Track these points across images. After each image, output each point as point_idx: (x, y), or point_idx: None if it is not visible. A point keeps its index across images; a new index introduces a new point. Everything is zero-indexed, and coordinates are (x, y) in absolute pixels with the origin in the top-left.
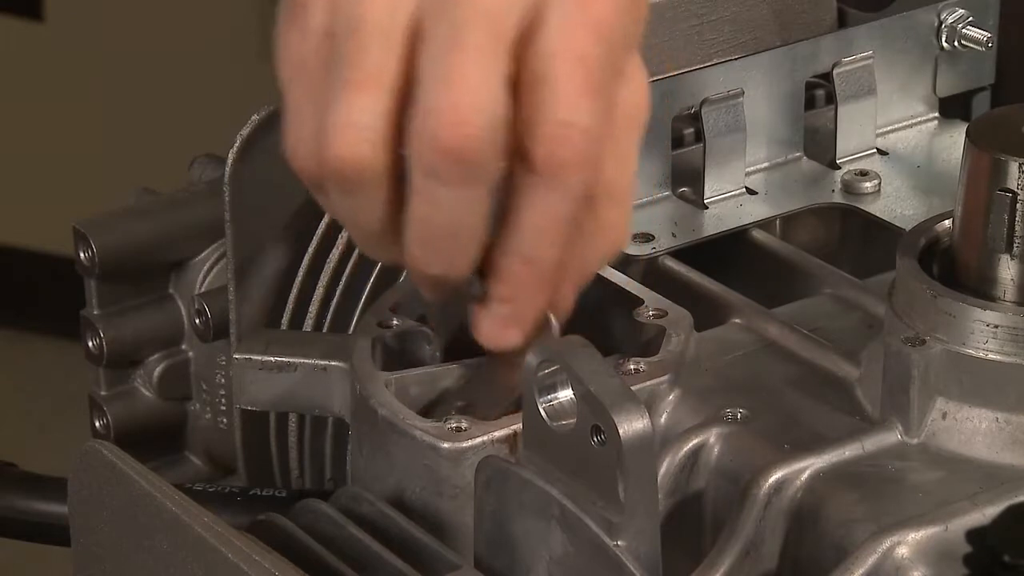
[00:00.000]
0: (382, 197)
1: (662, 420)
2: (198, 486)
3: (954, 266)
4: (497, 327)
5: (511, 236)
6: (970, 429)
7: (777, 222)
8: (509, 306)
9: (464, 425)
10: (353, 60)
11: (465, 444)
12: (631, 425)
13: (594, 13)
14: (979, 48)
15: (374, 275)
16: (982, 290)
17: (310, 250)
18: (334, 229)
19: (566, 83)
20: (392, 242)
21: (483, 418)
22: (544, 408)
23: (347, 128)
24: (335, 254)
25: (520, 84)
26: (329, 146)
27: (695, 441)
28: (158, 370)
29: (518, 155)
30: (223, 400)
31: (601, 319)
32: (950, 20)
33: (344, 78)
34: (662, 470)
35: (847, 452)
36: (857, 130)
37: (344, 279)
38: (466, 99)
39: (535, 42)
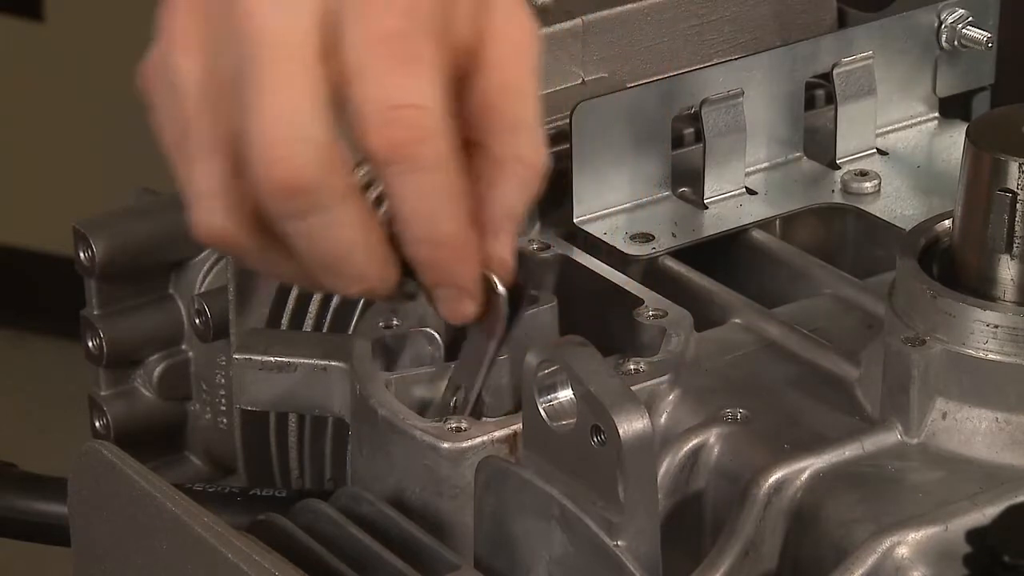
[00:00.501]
0: (263, 249)
1: (662, 420)
2: (198, 486)
3: (954, 266)
4: (448, 308)
5: (404, 229)
6: (970, 429)
7: (777, 222)
8: (445, 288)
9: (464, 425)
10: (187, 133)
11: (465, 444)
12: (631, 425)
13: None
14: (979, 48)
15: None
16: (982, 290)
17: None
18: None
19: (376, 67)
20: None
21: (467, 389)
22: (544, 408)
23: (201, 200)
24: None
25: (343, 86)
26: (195, 223)
27: (695, 441)
28: (158, 370)
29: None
30: (223, 400)
31: (601, 319)
32: (950, 20)
33: (186, 153)
34: (662, 470)
35: (847, 452)
36: (857, 130)
37: None
38: (279, 134)
39: (339, 42)
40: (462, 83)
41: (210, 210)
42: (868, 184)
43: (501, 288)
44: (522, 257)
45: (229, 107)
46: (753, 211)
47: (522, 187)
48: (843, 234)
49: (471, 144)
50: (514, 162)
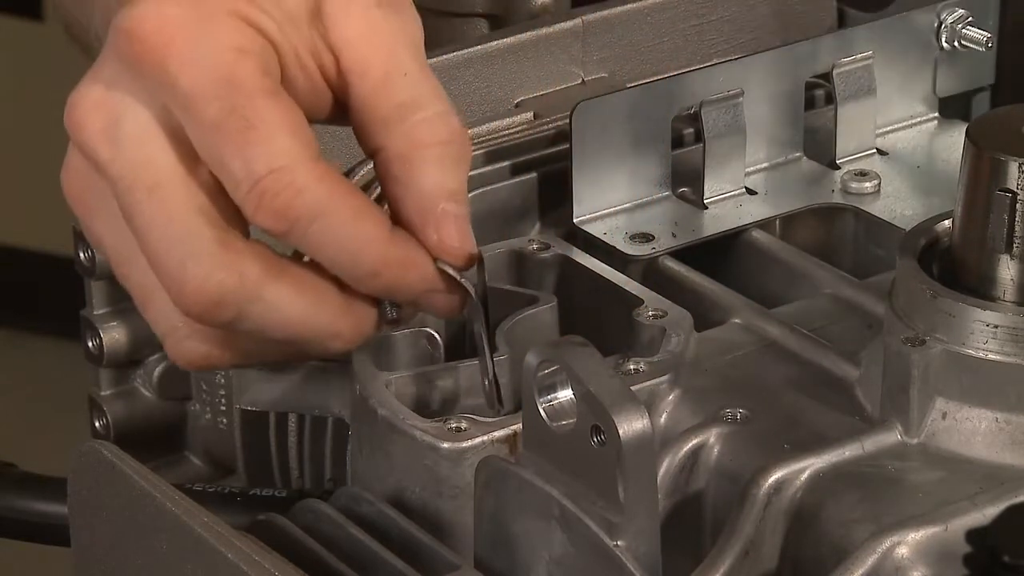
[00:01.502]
0: (247, 354)
1: (662, 420)
2: (198, 486)
3: (954, 266)
4: (433, 311)
5: (342, 276)
6: (970, 429)
7: (777, 222)
8: (422, 298)
9: (464, 425)
10: (126, 280)
11: (465, 444)
12: (631, 425)
13: (182, 89)
14: (979, 48)
15: None
16: (982, 290)
17: None
18: None
19: (222, 154)
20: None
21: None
22: (544, 408)
23: (167, 338)
24: None
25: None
26: (173, 358)
27: (695, 441)
28: (158, 370)
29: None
30: (223, 400)
31: (601, 319)
32: (950, 20)
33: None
34: (662, 470)
35: (847, 452)
36: (857, 130)
37: None
38: (173, 262)
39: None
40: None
41: (177, 343)
42: (868, 184)
43: (453, 272)
44: (521, 256)
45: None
46: (753, 211)
47: (436, 167)
48: (843, 234)
49: (379, 151)
50: (412, 150)
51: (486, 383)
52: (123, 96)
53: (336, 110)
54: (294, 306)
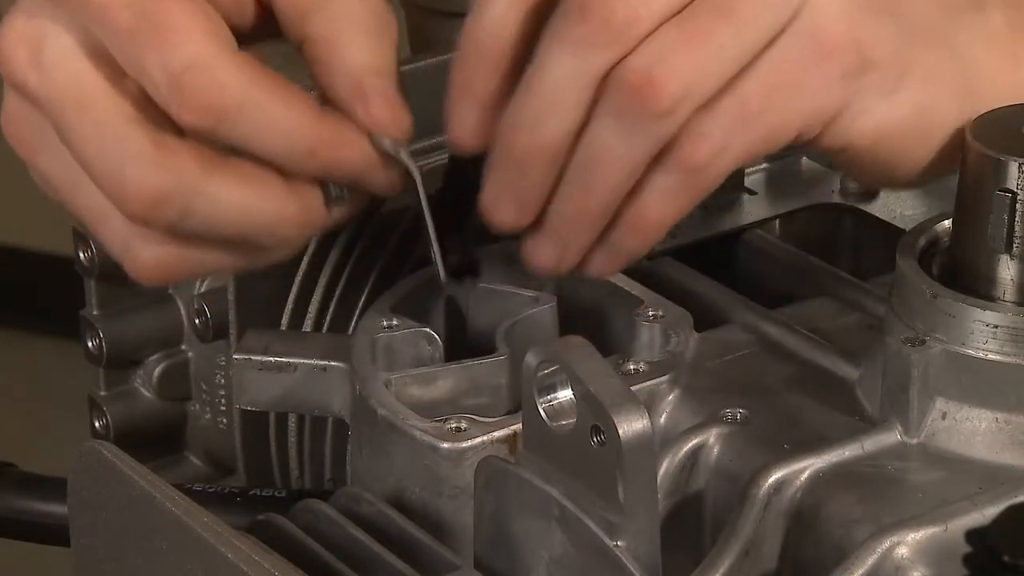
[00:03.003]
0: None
1: (662, 420)
2: (198, 486)
3: (954, 266)
4: (380, 186)
5: (278, 163)
6: (970, 429)
7: (777, 222)
8: (361, 176)
9: (464, 425)
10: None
11: (465, 444)
12: (631, 425)
13: (95, 2)
14: None
15: (374, 275)
16: (982, 290)
17: (310, 250)
18: (335, 230)
19: (139, 57)
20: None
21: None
22: (544, 408)
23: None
24: (335, 254)
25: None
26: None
27: (695, 441)
28: (158, 370)
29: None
30: (223, 400)
31: (601, 319)
32: None
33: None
34: (662, 470)
35: (847, 452)
36: None
37: (344, 279)
38: (118, 186)
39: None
40: None
41: (133, 257)
42: None
43: (386, 143)
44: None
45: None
46: (753, 211)
47: (358, 45)
48: (843, 234)
49: (304, 40)
50: (334, 32)
51: (432, 254)
52: (44, 23)
53: (261, 12)
54: (237, 196)
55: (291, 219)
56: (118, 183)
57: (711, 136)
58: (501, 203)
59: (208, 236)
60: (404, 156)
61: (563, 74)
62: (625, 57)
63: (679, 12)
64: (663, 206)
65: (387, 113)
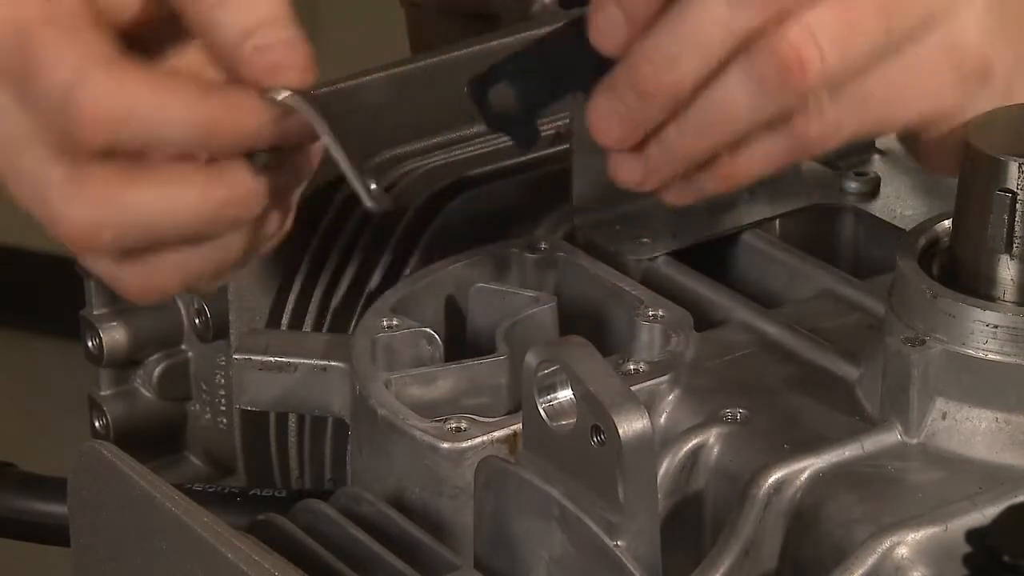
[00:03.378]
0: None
1: (662, 420)
2: (198, 486)
3: (954, 266)
4: (296, 136)
5: (189, 152)
6: (970, 429)
7: (777, 222)
8: (274, 137)
9: (464, 425)
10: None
11: (465, 444)
12: (631, 425)
13: None
14: None
15: (374, 275)
16: (982, 290)
17: (310, 250)
18: (335, 229)
19: (26, 100)
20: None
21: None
22: (544, 408)
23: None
24: (335, 254)
25: None
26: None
27: (695, 441)
28: (158, 370)
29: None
30: (223, 400)
31: (601, 319)
32: None
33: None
34: (662, 470)
35: (847, 452)
36: None
37: (344, 279)
38: (51, 225)
39: None
40: None
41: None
42: (868, 184)
43: (276, 96)
44: (520, 257)
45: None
46: (753, 211)
47: (222, 20)
48: (843, 234)
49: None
50: (205, 10)
51: (354, 186)
52: None
53: None
54: (160, 198)
55: (222, 201)
56: (51, 223)
57: (828, 115)
58: (611, 123)
59: (158, 244)
60: (297, 102)
61: (711, 21)
62: (779, 24)
63: None
64: (759, 164)
65: (265, 72)
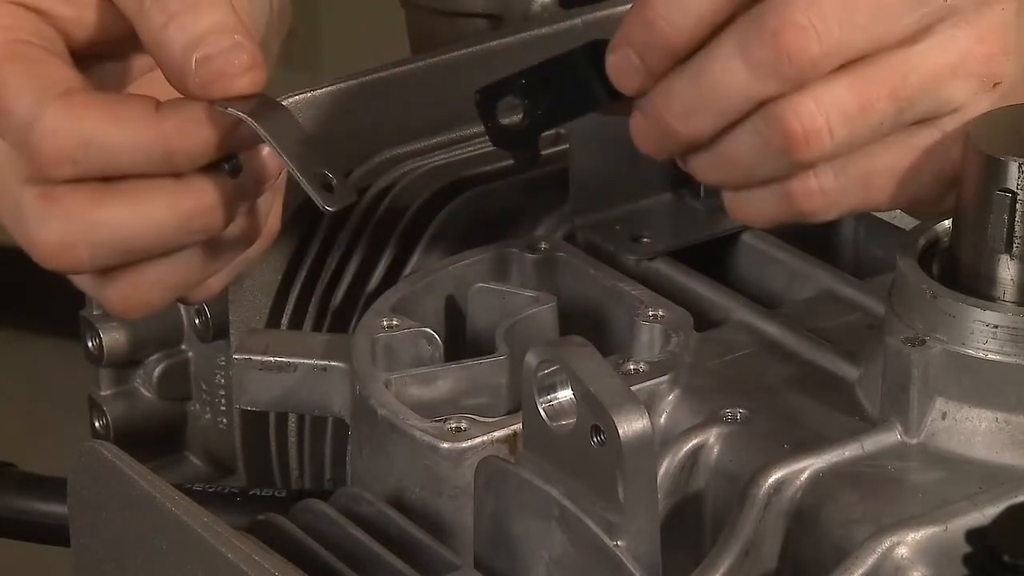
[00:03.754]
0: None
1: (662, 420)
2: (198, 486)
3: (954, 266)
4: (251, 140)
5: (152, 171)
6: (970, 429)
7: None
8: (229, 143)
9: (464, 425)
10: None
11: (465, 444)
12: (631, 425)
13: None
14: None
15: (374, 275)
16: (982, 290)
17: (310, 250)
18: (335, 229)
19: None
20: None
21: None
22: (544, 408)
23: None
24: (335, 254)
25: None
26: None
27: (695, 441)
28: (158, 370)
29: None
30: (223, 400)
31: (601, 319)
32: None
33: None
34: (662, 470)
35: (847, 452)
36: None
37: (344, 279)
38: (28, 245)
39: None
40: None
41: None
42: None
43: (221, 110)
44: (520, 257)
45: None
46: None
47: (166, 41)
48: (843, 234)
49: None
50: (150, 43)
51: (306, 188)
52: None
53: (104, 17)
54: (130, 214)
55: (189, 212)
56: (28, 244)
57: (828, 188)
58: (639, 139)
59: (133, 259)
60: (236, 113)
61: (731, 83)
62: (795, 92)
63: (856, 62)
64: (753, 213)
65: (208, 87)
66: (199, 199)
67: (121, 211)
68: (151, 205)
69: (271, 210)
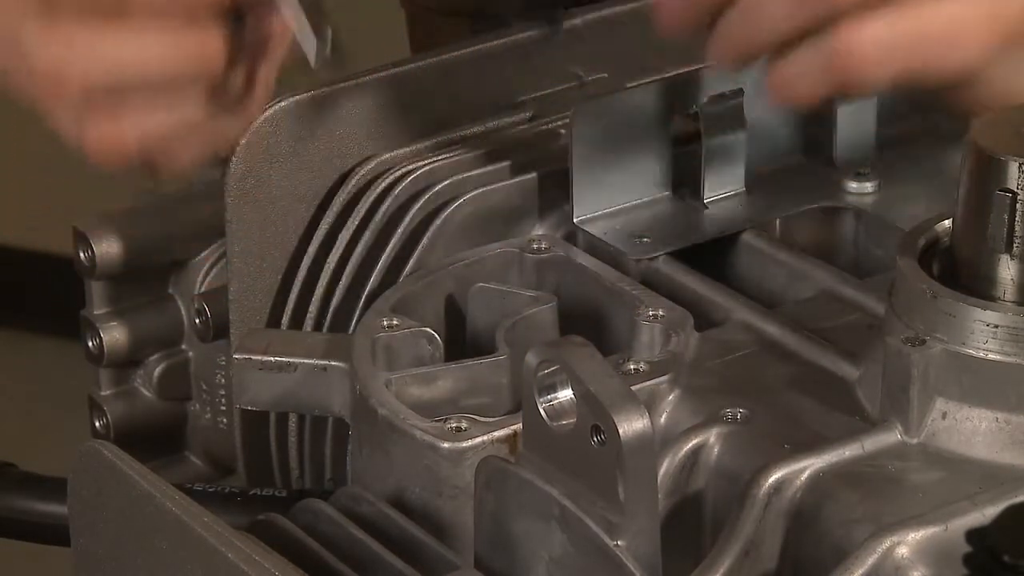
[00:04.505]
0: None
1: (662, 420)
2: (198, 486)
3: (954, 266)
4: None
5: (160, 17)
6: (970, 429)
7: (777, 222)
8: None
9: (464, 425)
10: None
11: (465, 444)
12: (631, 425)
13: None
14: None
15: (374, 275)
16: (982, 290)
17: (310, 250)
18: (335, 229)
19: None
20: None
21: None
22: (544, 408)
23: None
24: (335, 254)
25: None
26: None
27: (695, 441)
28: (158, 370)
29: None
30: (223, 400)
31: (601, 319)
32: None
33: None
34: (662, 470)
35: (847, 452)
36: (857, 130)
37: (344, 279)
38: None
39: None
40: None
41: (86, 139)
42: (868, 184)
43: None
44: (520, 257)
45: None
46: (753, 211)
47: None
48: (843, 234)
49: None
50: None
51: (302, 43)
52: None
53: None
54: (134, 43)
55: (195, 50)
56: (21, 62)
57: (869, 32)
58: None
59: (122, 90)
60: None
61: None
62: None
63: None
64: (800, 79)
65: None
66: (203, 41)
67: (124, 43)
68: (155, 38)
69: (263, 80)
